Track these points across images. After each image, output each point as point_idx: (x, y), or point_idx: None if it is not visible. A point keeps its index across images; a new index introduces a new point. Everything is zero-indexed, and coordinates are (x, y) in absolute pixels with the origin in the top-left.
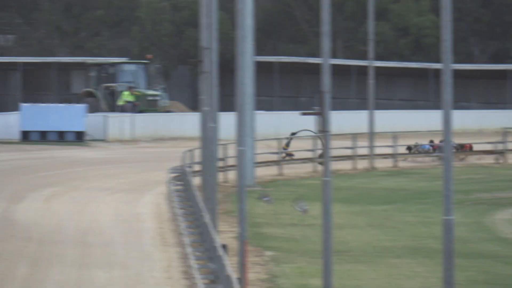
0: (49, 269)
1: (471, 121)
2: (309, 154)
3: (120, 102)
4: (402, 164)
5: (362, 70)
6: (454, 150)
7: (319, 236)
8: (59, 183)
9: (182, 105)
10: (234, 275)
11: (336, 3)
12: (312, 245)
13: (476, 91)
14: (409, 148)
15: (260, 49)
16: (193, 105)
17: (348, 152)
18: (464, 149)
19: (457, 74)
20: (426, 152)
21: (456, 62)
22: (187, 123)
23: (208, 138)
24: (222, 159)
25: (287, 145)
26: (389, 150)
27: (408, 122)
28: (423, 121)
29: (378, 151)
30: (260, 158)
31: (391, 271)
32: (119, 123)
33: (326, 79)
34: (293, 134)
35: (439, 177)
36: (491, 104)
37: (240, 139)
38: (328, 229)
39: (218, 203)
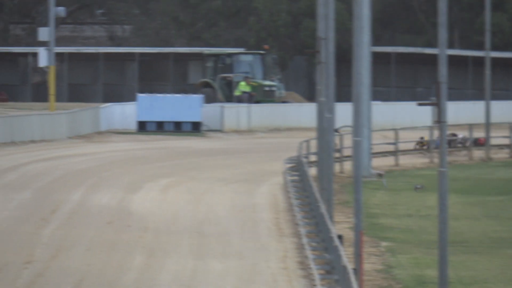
0: (165, 259)
1: None
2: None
3: (236, 93)
4: None
5: (479, 61)
6: None
7: (434, 226)
8: (175, 174)
9: (299, 96)
10: (349, 265)
11: None
12: (427, 235)
13: None
14: None
15: (377, 40)
16: (310, 96)
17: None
18: None
19: None
20: None
21: None
22: (303, 113)
23: (325, 128)
24: (338, 150)
25: None
26: (506, 141)
27: None
28: None
29: (494, 141)
30: (376, 149)
31: (507, 262)
32: (235, 114)
33: (443, 70)
34: (336, 130)
35: None
36: None
37: (357, 130)
38: (444, 219)
39: (334, 193)
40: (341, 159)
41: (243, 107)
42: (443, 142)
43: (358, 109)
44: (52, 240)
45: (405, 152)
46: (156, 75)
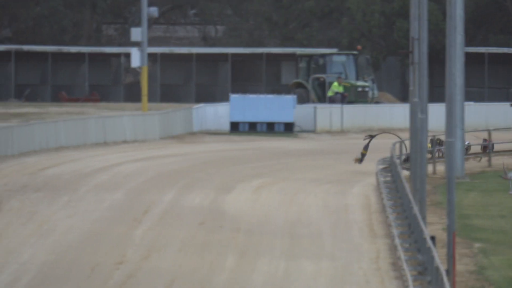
0: (257, 260)
1: None
2: None
3: (329, 93)
4: None
5: None
6: None
7: None
8: (268, 174)
9: (391, 96)
10: (442, 266)
11: None
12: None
13: None
14: None
15: (470, 40)
16: (402, 96)
17: None
18: None
19: None
20: None
21: None
22: (396, 114)
23: (417, 129)
24: (431, 150)
25: (365, 149)
26: None
27: None
28: None
29: None
30: (471, 150)
31: None
32: (328, 114)
33: None
34: (371, 136)
35: None
36: None
37: (450, 130)
38: None
39: (427, 194)
40: (434, 160)
41: (335, 108)
42: None
43: (451, 110)
44: (144, 241)
45: (498, 153)
46: (249, 76)
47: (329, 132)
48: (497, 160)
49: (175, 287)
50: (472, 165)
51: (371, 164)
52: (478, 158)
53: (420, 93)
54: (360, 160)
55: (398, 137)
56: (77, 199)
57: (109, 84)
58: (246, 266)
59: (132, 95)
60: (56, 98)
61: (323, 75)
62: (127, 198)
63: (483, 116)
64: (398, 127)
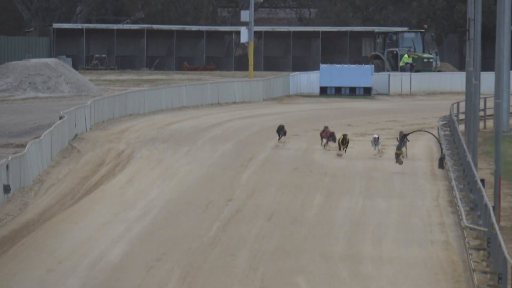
0: (340, 198)
1: None
2: None
3: (401, 64)
4: None
5: None
6: None
7: None
8: (347, 129)
9: (451, 66)
10: (490, 203)
11: None
12: None
13: None
14: None
15: None
16: (460, 66)
17: None
18: None
19: None
20: None
21: None
22: (455, 80)
23: (471, 93)
24: (483, 110)
25: (399, 148)
26: None
27: None
28: None
29: None
30: None
31: None
32: (399, 81)
33: None
34: (405, 135)
35: None
36: None
37: (498, 93)
38: None
39: (478, 145)
40: (484, 118)
41: (406, 75)
42: None
43: (499, 77)
44: (248, 183)
45: None
46: (336, 50)
47: (400, 95)
48: None
49: (273, 219)
50: None
51: (434, 121)
52: None
53: (474, 63)
54: (400, 161)
55: (432, 133)
56: (195, 149)
57: (222, 56)
58: (331, 203)
59: (241, 65)
60: (179, 67)
61: (395, 49)
62: (235, 148)
63: None
64: (456, 91)
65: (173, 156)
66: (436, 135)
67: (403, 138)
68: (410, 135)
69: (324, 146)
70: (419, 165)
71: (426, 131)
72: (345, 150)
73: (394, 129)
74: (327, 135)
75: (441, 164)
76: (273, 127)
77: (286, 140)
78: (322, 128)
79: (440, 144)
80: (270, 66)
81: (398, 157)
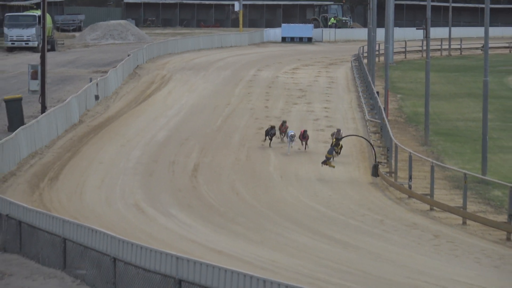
0: (294, 103)
1: None
2: None
3: (329, 23)
4: None
5: None
6: None
7: (424, 86)
8: (299, 61)
9: (359, 25)
10: (382, 106)
11: None
12: (420, 91)
13: None
14: None
15: None
16: (364, 24)
17: None
18: None
19: None
20: None
21: None
22: (361, 33)
23: (371, 40)
24: (377, 50)
25: (330, 153)
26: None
27: None
28: None
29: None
30: (401, 50)
31: (457, 105)
32: (328, 33)
33: None
34: (338, 139)
35: None
36: None
37: (387, 40)
38: (428, 82)
39: (375, 71)
40: (379, 54)
41: (332, 30)
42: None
43: (387, 31)
44: (239, 94)
45: (411, 51)
46: (291, 15)
47: (329, 42)
48: (409, 55)
49: (254, 115)
50: (398, 57)
51: (349, 57)
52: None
53: (372, 23)
54: (325, 162)
55: (364, 138)
56: (208, 74)
57: (223, 19)
58: (288, 106)
59: (235, 24)
60: (198, 26)
61: (326, 14)
62: (232, 74)
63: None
64: (362, 39)
65: (194, 78)
66: (367, 138)
67: (337, 143)
68: (343, 139)
69: (282, 139)
70: (340, 83)
71: (359, 136)
72: (305, 147)
73: (324, 61)
74: (285, 129)
75: (375, 172)
76: (254, 61)
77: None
78: (289, 61)
79: (374, 151)
80: (252, 25)
81: (328, 160)
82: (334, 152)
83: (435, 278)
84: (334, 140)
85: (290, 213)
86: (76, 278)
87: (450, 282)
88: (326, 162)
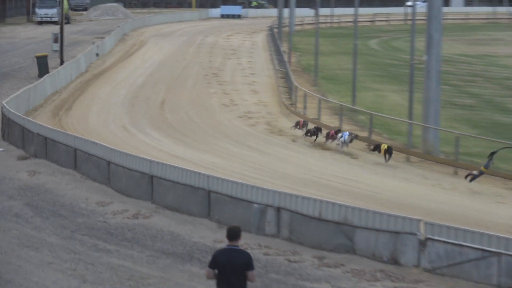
0: (228, 59)
1: None
2: None
3: (252, 5)
4: None
5: None
6: None
7: (314, 47)
8: (232, 30)
9: (272, 6)
10: (286, 59)
11: None
12: (313, 50)
13: None
14: None
15: None
16: (275, 5)
17: None
18: None
19: None
20: None
21: None
22: (273, 11)
23: (281, 16)
24: (286, 24)
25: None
26: None
27: None
28: None
29: None
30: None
31: (339, 60)
32: (246, 11)
33: None
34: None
35: None
36: None
37: (291, 16)
38: (317, 41)
39: (282, 37)
40: (284, 26)
41: (254, 9)
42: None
43: (292, 9)
44: (192, 52)
45: (306, 23)
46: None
47: (252, 17)
48: (305, 27)
49: (202, 67)
50: (298, 28)
51: (264, 27)
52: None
53: (280, 4)
54: (472, 177)
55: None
56: (171, 39)
57: (183, 1)
58: (225, 61)
59: (190, 5)
60: (166, 6)
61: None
62: (187, 39)
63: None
64: (274, 15)
65: (162, 42)
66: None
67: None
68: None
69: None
70: (259, 45)
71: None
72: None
73: (249, 31)
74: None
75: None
76: (202, 31)
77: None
78: (227, 30)
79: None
80: (201, 6)
81: (480, 175)
82: None
83: (320, 173)
84: (386, 147)
85: (225, 131)
86: (83, 174)
87: (330, 176)
88: (476, 176)
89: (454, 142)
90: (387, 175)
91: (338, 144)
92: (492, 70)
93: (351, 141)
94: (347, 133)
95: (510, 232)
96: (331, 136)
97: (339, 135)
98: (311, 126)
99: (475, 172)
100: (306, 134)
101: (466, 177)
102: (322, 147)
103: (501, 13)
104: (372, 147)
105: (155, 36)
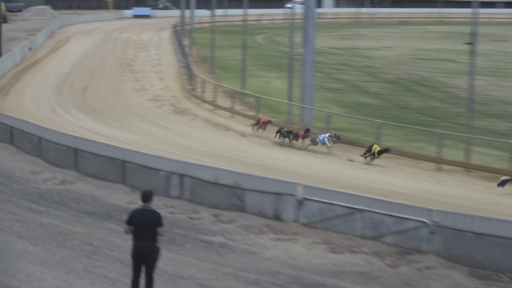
0: (139, 51)
1: None
2: None
3: (159, 7)
4: None
5: None
6: None
7: (209, 40)
8: (142, 28)
9: (176, 7)
10: (188, 52)
11: None
12: (210, 44)
13: None
14: None
15: None
16: (179, 7)
17: None
18: None
19: None
20: None
21: None
22: (176, 12)
23: (184, 16)
24: (186, 23)
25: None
26: None
27: None
28: None
29: None
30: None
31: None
32: (159, 12)
33: None
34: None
35: None
36: None
37: (192, 15)
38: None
39: (184, 34)
40: (186, 24)
41: (161, 11)
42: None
43: (192, 11)
44: (109, 46)
45: (204, 22)
46: (140, 2)
47: (159, 17)
48: (204, 25)
49: (117, 58)
50: (198, 26)
51: (169, 25)
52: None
53: (183, 7)
54: (504, 182)
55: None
56: (92, 35)
57: (101, 5)
58: (137, 53)
59: (108, 7)
60: (89, 9)
61: (157, 2)
62: (105, 35)
63: None
64: (177, 16)
65: (84, 38)
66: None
67: (338, 138)
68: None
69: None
70: (165, 40)
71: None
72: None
73: (156, 28)
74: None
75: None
76: (117, 28)
77: None
78: (136, 28)
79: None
80: (117, 7)
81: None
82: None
83: (216, 146)
84: (379, 148)
85: (137, 111)
86: (18, 148)
87: (225, 148)
88: (508, 180)
89: (325, 119)
90: (272, 147)
91: (304, 144)
92: (357, 60)
93: (335, 142)
94: (325, 135)
95: (372, 193)
96: (301, 136)
97: (321, 137)
98: (273, 126)
99: (506, 177)
100: (280, 136)
101: (498, 184)
102: (217, 125)
103: (363, 13)
104: (364, 151)
105: (78, 33)
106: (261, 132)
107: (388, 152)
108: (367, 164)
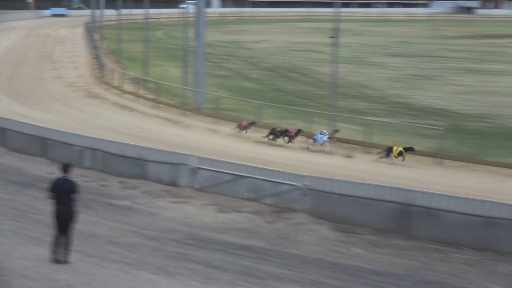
0: (67, 44)
1: None
2: None
3: (73, 7)
4: None
5: None
6: None
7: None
8: (58, 25)
9: (87, 7)
10: (99, 45)
11: None
12: (116, 38)
13: None
14: None
15: None
16: (90, 7)
17: None
18: None
19: None
20: None
21: None
22: (88, 12)
23: (94, 14)
24: (96, 21)
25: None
26: None
27: None
28: None
29: None
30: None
31: None
32: (73, 12)
33: None
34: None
35: None
36: None
37: (101, 17)
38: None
39: (95, 29)
40: (97, 22)
41: (75, 10)
42: None
43: (102, 12)
44: (31, 41)
45: (111, 20)
46: (57, 3)
47: (73, 16)
48: (111, 23)
49: (39, 49)
50: (107, 23)
51: (82, 24)
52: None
53: (94, 8)
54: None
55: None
56: (16, 31)
57: (24, 5)
58: (55, 46)
59: (30, 6)
60: (12, 9)
61: (71, 3)
62: (28, 31)
63: None
64: (89, 14)
65: (10, 33)
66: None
67: (336, 131)
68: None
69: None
70: (77, 36)
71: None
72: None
73: (71, 25)
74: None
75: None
76: (38, 25)
77: None
78: (57, 25)
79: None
80: (38, 8)
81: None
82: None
83: (123, 125)
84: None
85: (55, 96)
86: None
87: (130, 127)
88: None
89: (215, 101)
90: (169, 125)
91: (304, 145)
92: (240, 52)
93: (333, 140)
94: (323, 136)
95: (254, 162)
96: (291, 135)
97: (318, 136)
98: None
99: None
100: (273, 137)
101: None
102: (124, 107)
103: (246, 12)
104: (384, 153)
105: (5, 30)
106: (245, 133)
107: (411, 150)
108: (391, 164)
